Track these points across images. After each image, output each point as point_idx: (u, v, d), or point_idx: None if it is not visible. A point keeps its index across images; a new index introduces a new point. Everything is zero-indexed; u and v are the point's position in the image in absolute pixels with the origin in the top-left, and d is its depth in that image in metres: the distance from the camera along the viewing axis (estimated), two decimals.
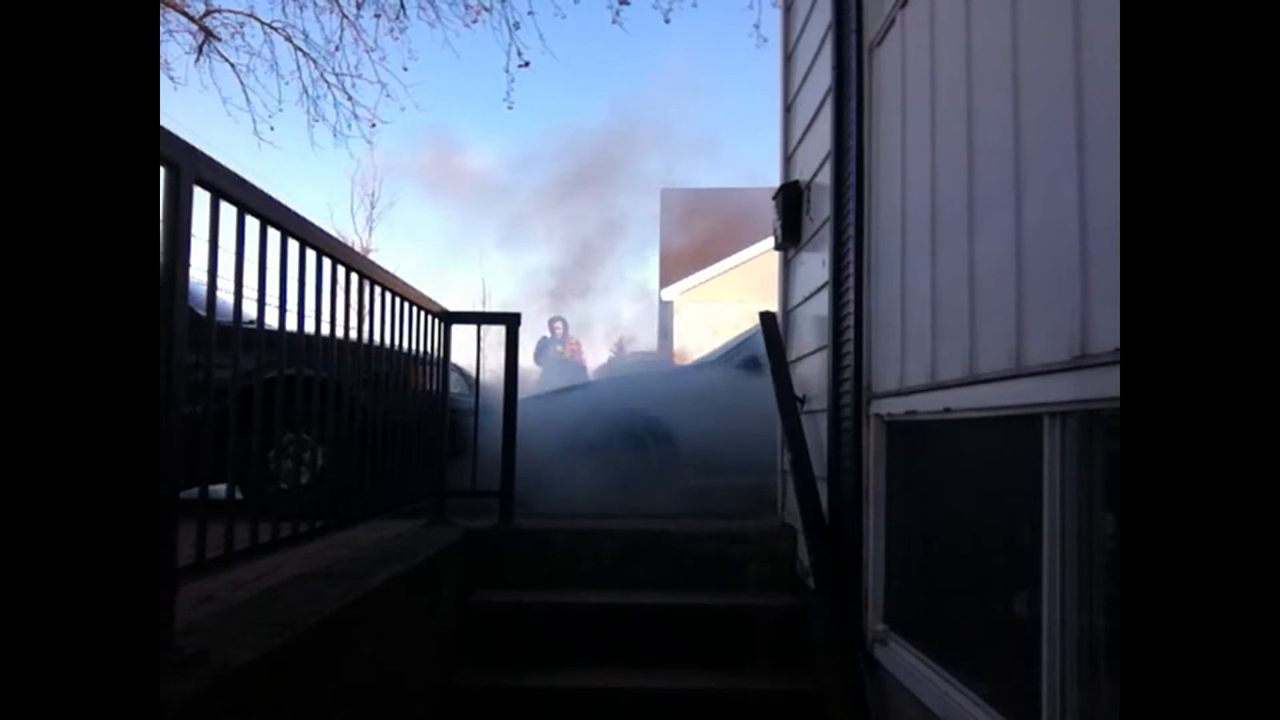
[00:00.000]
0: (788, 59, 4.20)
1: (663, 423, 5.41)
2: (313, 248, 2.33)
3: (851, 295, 2.95)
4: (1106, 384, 1.44)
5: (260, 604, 2.15)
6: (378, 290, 2.96)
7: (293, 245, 2.21)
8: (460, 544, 3.60)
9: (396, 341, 3.20)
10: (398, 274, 3.22)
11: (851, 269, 2.96)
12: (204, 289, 1.91)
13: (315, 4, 9.34)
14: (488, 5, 8.59)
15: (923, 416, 2.41)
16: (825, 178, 3.34)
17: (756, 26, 8.48)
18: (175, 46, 9.86)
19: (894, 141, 2.71)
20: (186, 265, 1.60)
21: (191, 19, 9.50)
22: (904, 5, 2.62)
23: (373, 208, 19.79)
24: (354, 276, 2.70)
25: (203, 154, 1.66)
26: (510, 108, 8.78)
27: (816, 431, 3.43)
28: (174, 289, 1.56)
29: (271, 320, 2.24)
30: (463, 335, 4.13)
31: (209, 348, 1.83)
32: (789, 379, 3.71)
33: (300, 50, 9.79)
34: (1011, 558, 1.99)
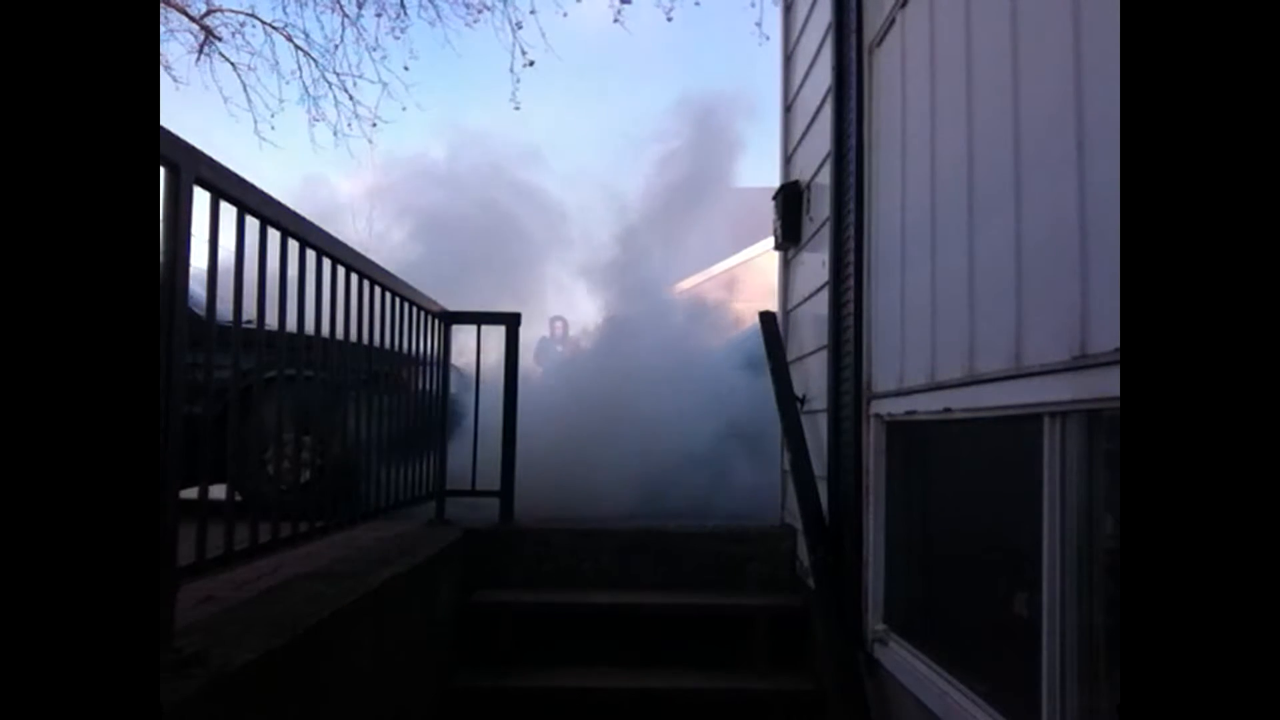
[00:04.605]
0: (788, 59, 4.20)
1: None
2: (312, 248, 2.33)
3: (851, 295, 2.95)
4: (1106, 384, 1.44)
5: (260, 604, 2.15)
6: (378, 290, 2.96)
7: (293, 245, 2.21)
8: (460, 544, 3.60)
9: (396, 341, 3.21)
10: (398, 273, 3.22)
11: (851, 269, 2.96)
12: (203, 289, 1.91)
13: (316, 3, 9.35)
14: (489, 4, 8.59)
15: (923, 416, 2.41)
16: (825, 178, 3.34)
17: (758, 25, 8.46)
18: (176, 46, 9.86)
19: (894, 141, 2.71)
20: (186, 265, 1.61)
21: (192, 19, 9.51)
22: (904, 5, 2.62)
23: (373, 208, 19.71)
24: (354, 277, 2.70)
25: (203, 154, 1.66)
26: (517, 108, 8.80)
27: (816, 431, 3.43)
28: (174, 289, 1.56)
29: (271, 320, 2.24)
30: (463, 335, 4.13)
31: (209, 347, 1.83)
32: (789, 379, 3.71)
33: (301, 50, 9.81)
34: (1011, 558, 1.99)
